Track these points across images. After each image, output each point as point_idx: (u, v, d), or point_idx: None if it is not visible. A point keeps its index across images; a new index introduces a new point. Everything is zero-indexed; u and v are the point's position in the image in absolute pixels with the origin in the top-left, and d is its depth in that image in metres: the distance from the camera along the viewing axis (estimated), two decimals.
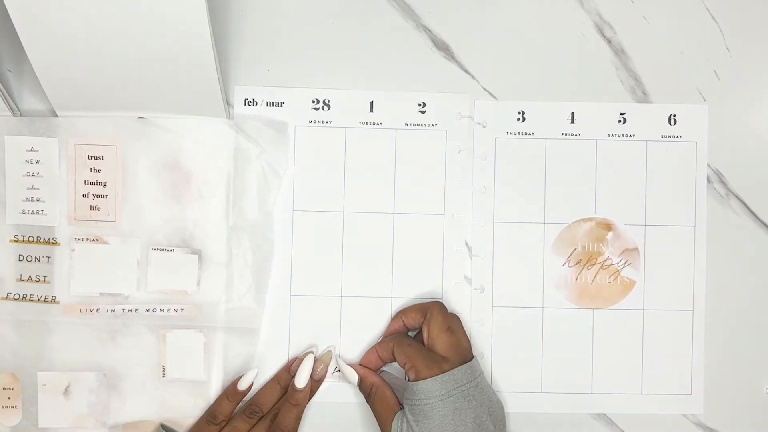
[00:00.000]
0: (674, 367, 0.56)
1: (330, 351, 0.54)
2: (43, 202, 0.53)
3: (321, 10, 0.56)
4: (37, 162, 0.53)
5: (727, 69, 0.57)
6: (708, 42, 0.57)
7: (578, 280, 0.56)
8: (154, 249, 0.53)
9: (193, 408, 0.53)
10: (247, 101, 0.55)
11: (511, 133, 0.56)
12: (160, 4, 0.45)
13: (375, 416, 0.52)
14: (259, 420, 0.52)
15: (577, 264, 0.56)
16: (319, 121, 0.55)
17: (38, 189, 0.53)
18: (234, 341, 0.54)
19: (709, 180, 0.57)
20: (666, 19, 0.57)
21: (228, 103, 0.55)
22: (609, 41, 0.57)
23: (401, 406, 0.51)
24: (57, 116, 0.53)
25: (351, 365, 0.53)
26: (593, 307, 0.56)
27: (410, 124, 0.56)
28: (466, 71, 0.56)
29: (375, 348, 0.53)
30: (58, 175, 0.53)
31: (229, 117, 0.54)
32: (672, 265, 0.56)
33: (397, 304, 0.55)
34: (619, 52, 0.57)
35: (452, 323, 0.51)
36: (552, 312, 0.56)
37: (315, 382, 0.53)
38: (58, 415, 0.53)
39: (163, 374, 0.53)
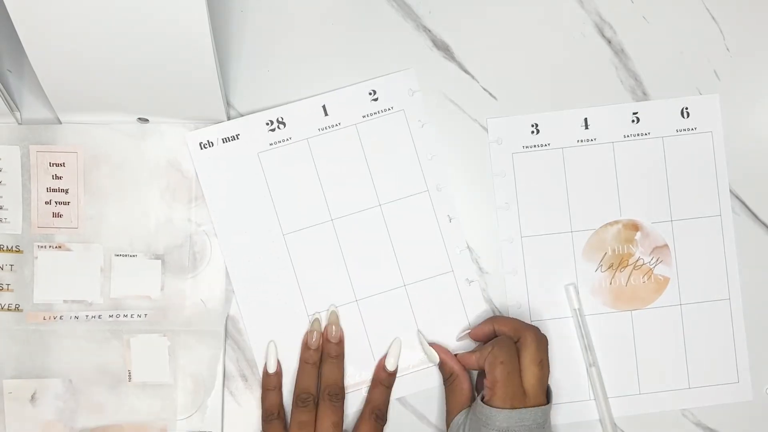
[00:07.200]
0: (718, 357, 0.56)
1: (333, 311, 0.54)
2: (6, 210, 0.53)
3: (320, 11, 0.56)
4: (0, 170, 0.53)
5: (727, 69, 0.57)
6: (708, 42, 0.57)
7: (612, 283, 0.56)
8: (117, 255, 0.53)
9: (160, 411, 0.53)
10: (202, 144, 0.54)
11: (527, 147, 0.56)
12: (161, 4, 0.45)
13: (446, 403, 0.53)
14: (319, 404, 0.53)
15: (609, 268, 0.56)
16: (279, 141, 0.55)
17: (1, 197, 0.53)
18: (199, 344, 0.54)
19: None
20: (666, 19, 0.57)
21: (228, 104, 0.55)
22: (609, 41, 0.56)
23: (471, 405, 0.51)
24: (59, 120, 0.54)
25: (434, 346, 0.54)
26: (631, 308, 0.56)
27: (367, 115, 0.55)
28: (466, 71, 0.56)
29: (474, 354, 0.52)
30: (20, 182, 0.53)
31: (228, 118, 0.54)
32: (703, 256, 0.56)
33: (412, 290, 0.55)
34: (619, 52, 0.56)
35: (544, 356, 0.50)
36: (590, 319, 0.56)
37: (334, 345, 0.54)
38: (25, 422, 0.53)
39: (129, 379, 0.53)
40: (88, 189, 0.53)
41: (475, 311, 0.55)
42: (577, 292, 0.55)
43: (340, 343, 0.54)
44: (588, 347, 0.54)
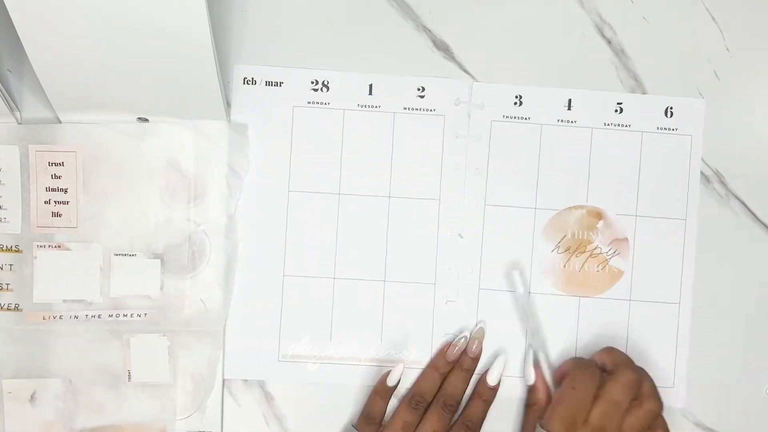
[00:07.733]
0: (658, 359, 0.56)
1: (481, 327, 0.55)
2: (6, 209, 0.53)
3: (320, 13, 0.56)
4: None
5: (727, 69, 0.57)
6: (708, 42, 0.57)
7: (566, 267, 0.56)
8: (117, 254, 0.53)
9: (160, 411, 0.53)
10: (246, 80, 0.55)
11: (507, 117, 0.56)
12: (161, 4, 0.45)
13: (521, 429, 0.54)
14: (427, 409, 0.53)
15: (566, 251, 0.56)
16: (317, 102, 0.55)
17: (0, 197, 0.53)
18: (198, 344, 0.54)
19: (708, 180, 0.56)
20: (666, 19, 0.57)
21: (228, 104, 0.55)
22: (609, 41, 0.56)
23: None
24: (59, 120, 0.53)
25: (537, 368, 0.54)
26: (580, 294, 0.56)
27: (409, 109, 0.55)
28: (466, 71, 0.56)
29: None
30: (20, 182, 0.53)
31: (229, 119, 0.54)
32: (661, 257, 0.56)
33: (390, 288, 0.55)
34: (619, 52, 0.56)
35: (624, 399, 0.48)
36: (538, 298, 0.56)
37: (470, 359, 0.54)
38: (25, 422, 0.53)
39: (129, 379, 0.53)
40: (87, 189, 0.53)
41: (441, 331, 0.55)
42: (523, 278, 0.55)
43: (476, 359, 0.54)
44: (534, 329, 0.55)
